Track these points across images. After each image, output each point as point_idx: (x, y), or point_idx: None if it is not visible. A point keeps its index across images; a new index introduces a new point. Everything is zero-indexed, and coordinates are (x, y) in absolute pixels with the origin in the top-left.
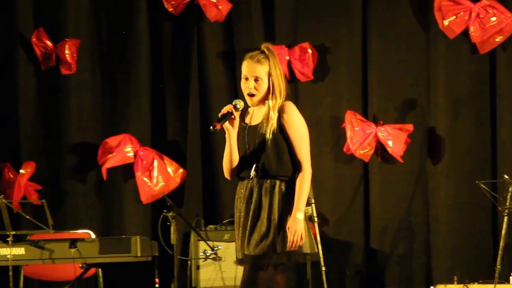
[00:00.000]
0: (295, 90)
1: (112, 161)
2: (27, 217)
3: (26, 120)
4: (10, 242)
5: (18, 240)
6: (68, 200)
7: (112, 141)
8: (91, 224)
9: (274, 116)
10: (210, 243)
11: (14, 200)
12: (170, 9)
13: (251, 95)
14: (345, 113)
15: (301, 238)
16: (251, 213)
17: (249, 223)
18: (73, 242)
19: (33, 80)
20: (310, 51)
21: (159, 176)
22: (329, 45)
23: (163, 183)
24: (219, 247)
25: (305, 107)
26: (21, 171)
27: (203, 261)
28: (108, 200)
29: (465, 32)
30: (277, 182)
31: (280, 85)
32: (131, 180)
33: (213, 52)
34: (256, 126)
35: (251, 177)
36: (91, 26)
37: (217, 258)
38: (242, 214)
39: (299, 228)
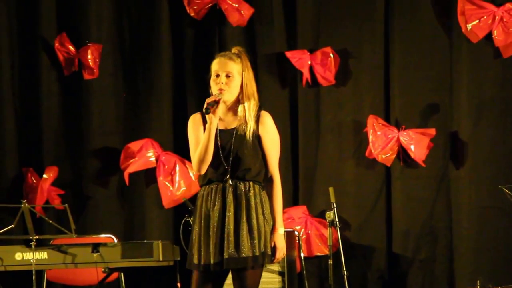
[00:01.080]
0: (317, 95)
1: (134, 166)
2: (50, 221)
3: (49, 125)
4: (33, 246)
5: (41, 245)
6: (91, 204)
7: (134, 146)
8: (113, 229)
9: (251, 121)
10: None
11: (37, 204)
12: (192, 14)
13: (222, 90)
14: (367, 117)
15: (281, 252)
16: (230, 217)
17: (231, 227)
18: (96, 247)
19: (56, 85)
20: (332, 55)
21: (181, 181)
22: (351, 50)
23: (184, 188)
24: None
25: (327, 111)
26: (44, 175)
27: None
28: (130, 205)
29: (489, 36)
30: (251, 184)
31: (253, 87)
32: (153, 185)
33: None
34: (232, 130)
35: (225, 179)
36: (113, 31)
37: None
38: (216, 219)
39: (283, 244)
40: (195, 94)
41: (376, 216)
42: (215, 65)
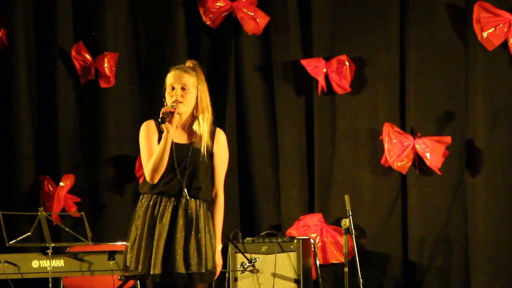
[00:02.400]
0: (332, 103)
1: None
2: (67, 229)
3: (65, 133)
4: (49, 254)
5: (57, 252)
6: (107, 212)
7: None
8: None
9: (206, 135)
10: (247, 255)
11: (54, 212)
12: (208, 23)
13: (178, 102)
14: (382, 125)
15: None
16: (179, 232)
17: (180, 242)
18: (112, 254)
19: (73, 93)
20: (347, 63)
21: None
22: (367, 58)
23: None
24: (257, 259)
25: (343, 119)
26: (61, 183)
27: (241, 273)
28: None
29: (504, 44)
30: (200, 203)
31: (207, 100)
32: None
33: (251, 65)
34: (188, 145)
35: (179, 195)
36: (129, 40)
37: (254, 271)
38: (163, 232)
39: (221, 261)
40: (210, 102)
41: (391, 223)
42: (170, 78)
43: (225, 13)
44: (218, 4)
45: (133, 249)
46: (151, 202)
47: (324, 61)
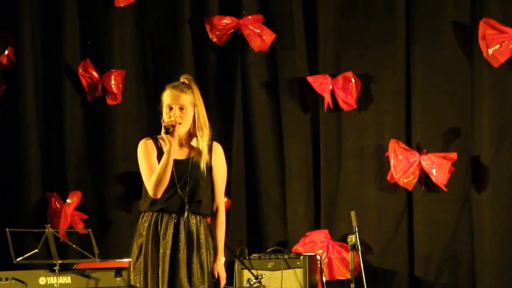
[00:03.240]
0: (338, 119)
1: None
2: (74, 246)
3: (73, 150)
4: (57, 271)
5: (64, 269)
6: (114, 229)
7: None
8: None
9: (205, 152)
10: (254, 271)
11: (61, 229)
12: (215, 40)
13: (178, 123)
14: (388, 141)
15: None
16: (182, 249)
17: (183, 258)
18: (119, 271)
19: (80, 111)
20: (353, 80)
21: None
22: (373, 74)
23: None
24: (263, 275)
25: (349, 136)
26: (68, 200)
27: None
28: None
29: (510, 61)
30: (201, 218)
31: (205, 116)
32: None
33: (257, 82)
34: (187, 160)
35: (181, 211)
36: (136, 57)
37: (261, 287)
38: (167, 248)
39: (225, 273)
40: (217, 119)
41: (398, 240)
42: (167, 98)
43: (232, 30)
44: (225, 21)
45: (136, 268)
46: (153, 220)
47: (330, 78)
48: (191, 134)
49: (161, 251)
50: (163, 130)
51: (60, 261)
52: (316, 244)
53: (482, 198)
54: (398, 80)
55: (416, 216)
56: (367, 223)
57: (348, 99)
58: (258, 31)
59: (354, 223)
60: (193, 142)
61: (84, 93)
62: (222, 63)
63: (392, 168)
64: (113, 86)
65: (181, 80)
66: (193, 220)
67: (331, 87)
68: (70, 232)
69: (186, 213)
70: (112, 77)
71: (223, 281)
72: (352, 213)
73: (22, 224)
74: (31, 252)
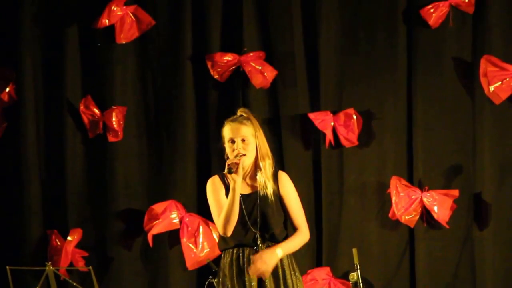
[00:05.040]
0: (340, 156)
1: (158, 227)
2: (74, 284)
3: (73, 186)
4: None
5: None
6: (114, 266)
7: (158, 207)
8: None
9: (270, 181)
10: None
11: (62, 267)
12: (216, 76)
13: (242, 155)
14: (390, 178)
15: (265, 272)
16: (268, 280)
17: (271, 286)
18: None
19: (81, 147)
20: (355, 117)
21: (204, 242)
22: (374, 111)
23: (208, 249)
24: None
25: (350, 172)
26: (68, 238)
27: None
28: (154, 267)
29: (511, 98)
30: None
31: (266, 146)
32: (176, 246)
33: (259, 119)
34: (254, 194)
35: (256, 244)
36: (137, 93)
37: None
38: (254, 281)
39: (271, 261)
40: (218, 156)
41: (400, 277)
42: (227, 132)
43: (233, 67)
44: (226, 58)
45: None
46: (234, 256)
47: (331, 115)
48: (255, 167)
49: (247, 284)
50: (226, 170)
51: None
52: (317, 281)
53: (484, 235)
54: (399, 117)
55: (418, 253)
56: (369, 260)
57: (349, 135)
58: (260, 68)
59: (356, 261)
60: (258, 174)
61: (85, 130)
62: (224, 100)
63: (393, 205)
64: (114, 123)
65: (238, 114)
66: None
67: (332, 123)
68: (70, 270)
69: (263, 245)
70: (114, 114)
71: (260, 262)
72: (354, 250)
73: (22, 262)
74: None
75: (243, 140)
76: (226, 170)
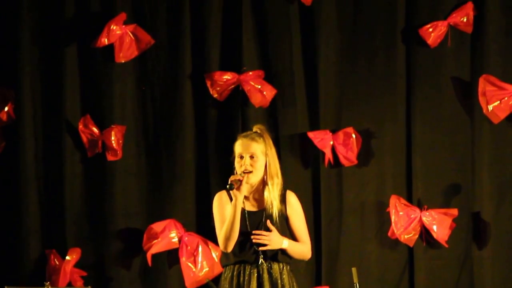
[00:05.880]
0: (339, 175)
1: (157, 246)
2: None
3: (72, 206)
4: None
5: None
6: (113, 286)
7: (157, 226)
8: None
9: (277, 201)
10: None
11: (60, 286)
12: (215, 95)
13: (248, 172)
14: (389, 197)
15: (268, 243)
16: None
17: None
18: None
19: (79, 167)
20: (354, 136)
21: (203, 262)
22: (373, 130)
23: (207, 269)
24: None
25: (349, 191)
26: (67, 257)
27: None
28: (153, 286)
29: (510, 117)
30: (283, 265)
31: (276, 165)
32: (175, 266)
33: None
34: (261, 211)
35: (258, 261)
36: (137, 112)
37: None
38: None
39: (275, 243)
40: (218, 175)
41: None
42: (238, 147)
43: (232, 86)
44: (225, 77)
45: None
46: (235, 272)
47: (330, 134)
48: (264, 184)
49: None
50: (227, 185)
51: None
52: None
53: (483, 254)
54: (398, 136)
55: (417, 273)
56: (369, 280)
57: (349, 154)
58: (259, 86)
59: (355, 280)
60: (266, 193)
61: (84, 149)
62: (223, 119)
63: (393, 224)
64: (113, 142)
65: (253, 130)
66: (275, 267)
67: (331, 142)
68: None
69: (265, 263)
70: (113, 133)
71: (268, 236)
72: (353, 270)
73: (21, 282)
74: None
75: (251, 157)
76: (227, 186)
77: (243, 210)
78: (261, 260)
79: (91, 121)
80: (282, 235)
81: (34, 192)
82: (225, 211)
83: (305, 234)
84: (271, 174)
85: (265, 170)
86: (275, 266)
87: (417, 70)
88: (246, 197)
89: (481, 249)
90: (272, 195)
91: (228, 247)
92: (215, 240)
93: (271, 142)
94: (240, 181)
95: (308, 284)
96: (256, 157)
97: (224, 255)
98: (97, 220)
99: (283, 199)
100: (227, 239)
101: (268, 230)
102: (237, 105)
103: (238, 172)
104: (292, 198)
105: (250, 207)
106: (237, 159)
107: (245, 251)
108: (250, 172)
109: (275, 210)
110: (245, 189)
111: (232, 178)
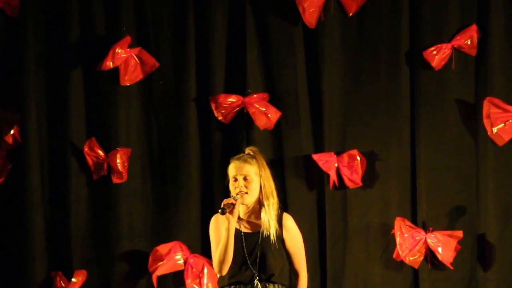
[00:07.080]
0: (344, 197)
1: (162, 268)
2: None
3: (78, 228)
4: None
5: None
6: None
7: (162, 248)
8: None
9: (273, 221)
10: None
11: None
12: (220, 118)
13: (243, 193)
14: (394, 219)
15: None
16: None
17: None
18: None
19: (85, 189)
20: (358, 158)
21: (209, 283)
22: (378, 152)
23: None
24: None
25: (354, 214)
26: (73, 279)
27: None
28: None
29: None
30: (279, 287)
31: (271, 185)
32: None
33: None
34: (257, 233)
35: (253, 283)
36: (142, 135)
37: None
38: None
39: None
40: (223, 197)
41: None
42: (231, 170)
43: (237, 109)
44: (230, 99)
45: None
46: None
47: (335, 156)
48: (259, 206)
49: None
50: (220, 209)
51: None
52: None
53: (488, 276)
54: (403, 158)
55: None
56: None
57: (353, 176)
58: (264, 109)
59: None
60: (262, 214)
61: (90, 171)
62: (228, 141)
63: (398, 246)
64: (118, 164)
65: (246, 152)
66: None
67: (336, 165)
68: None
69: (260, 285)
70: (118, 155)
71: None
72: None
73: None
74: None
75: (245, 179)
76: (219, 210)
77: (239, 232)
78: (256, 281)
79: (96, 144)
80: (279, 257)
81: (40, 215)
82: (221, 234)
83: (301, 258)
84: (267, 195)
85: (260, 191)
86: (271, 287)
87: (421, 92)
88: (242, 219)
89: (486, 271)
90: (268, 215)
91: (223, 270)
92: None
93: (264, 163)
94: (233, 204)
95: None
96: (250, 178)
97: (220, 276)
98: (102, 242)
99: (279, 221)
100: (221, 262)
101: (264, 251)
102: (241, 127)
103: (233, 195)
104: (288, 222)
105: (247, 228)
106: (231, 182)
107: (241, 272)
108: (246, 193)
109: (272, 232)
110: (237, 213)
111: (224, 201)
